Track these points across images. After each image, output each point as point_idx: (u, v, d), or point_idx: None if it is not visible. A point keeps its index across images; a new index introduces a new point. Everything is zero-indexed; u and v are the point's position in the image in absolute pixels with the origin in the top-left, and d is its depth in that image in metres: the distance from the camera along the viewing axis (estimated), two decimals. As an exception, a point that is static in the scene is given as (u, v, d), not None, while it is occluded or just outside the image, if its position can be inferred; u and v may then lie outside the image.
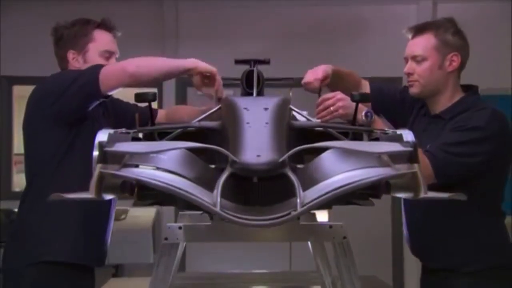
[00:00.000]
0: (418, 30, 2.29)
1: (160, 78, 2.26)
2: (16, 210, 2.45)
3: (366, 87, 2.48)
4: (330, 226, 1.78)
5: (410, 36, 2.32)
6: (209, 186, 1.29)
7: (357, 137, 1.96)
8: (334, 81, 2.35)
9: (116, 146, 1.21)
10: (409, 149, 1.21)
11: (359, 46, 5.69)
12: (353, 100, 1.94)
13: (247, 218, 1.18)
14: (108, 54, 2.42)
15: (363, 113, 1.99)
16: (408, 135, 1.47)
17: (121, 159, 1.26)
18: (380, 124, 2.13)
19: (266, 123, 1.34)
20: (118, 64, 2.22)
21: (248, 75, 2.21)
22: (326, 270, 2.41)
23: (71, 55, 2.41)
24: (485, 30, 5.28)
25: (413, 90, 2.31)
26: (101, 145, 1.19)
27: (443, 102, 2.29)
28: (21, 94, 5.57)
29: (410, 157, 1.20)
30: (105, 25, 2.45)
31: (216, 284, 2.65)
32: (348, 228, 1.78)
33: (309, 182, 1.31)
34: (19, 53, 5.45)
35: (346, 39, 5.72)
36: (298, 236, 1.88)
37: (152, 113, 1.93)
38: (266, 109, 1.43)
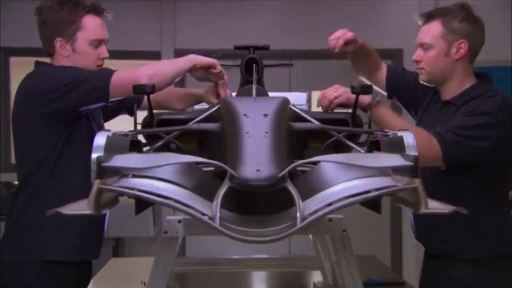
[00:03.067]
0: (427, 17, 2.28)
1: (169, 85, 2.20)
2: (16, 183, 2.41)
3: (383, 70, 2.54)
4: (330, 220, 1.78)
5: (420, 22, 2.31)
6: (207, 193, 1.29)
7: (356, 124, 1.96)
8: (359, 55, 2.43)
9: (113, 160, 1.19)
10: (410, 163, 1.19)
11: (363, 16, 5.62)
12: (353, 92, 1.93)
13: (247, 232, 1.17)
14: (98, 43, 2.31)
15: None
16: (408, 137, 1.45)
17: (119, 171, 1.24)
18: (384, 109, 2.12)
19: (266, 132, 1.32)
20: (130, 74, 2.14)
21: (247, 62, 2.18)
22: (325, 255, 2.41)
23: (58, 43, 2.28)
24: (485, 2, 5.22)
25: (421, 77, 2.33)
26: (99, 160, 1.17)
27: (453, 89, 2.28)
28: (18, 62, 5.58)
29: (411, 172, 1.18)
30: (95, 10, 2.31)
31: (216, 270, 2.67)
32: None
33: (309, 190, 1.30)
34: (17, 24, 5.39)
35: (351, 9, 5.64)
36: (297, 230, 1.88)
37: (151, 106, 1.92)
38: (265, 115, 1.40)
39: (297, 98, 2.68)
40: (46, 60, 2.38)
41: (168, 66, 2.20)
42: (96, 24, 2.31)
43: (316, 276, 2.59)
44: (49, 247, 2.22)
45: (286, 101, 1.62)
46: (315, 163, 1.84)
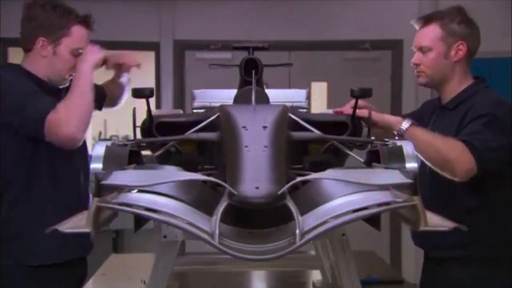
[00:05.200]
0: (425, 21, 2.31)
1: (91, 109, 2.28)
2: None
3: None
4: None
5: (417, 27, 2.34)
6: (206, 205, 1.28)
7: (356, 130, 1.95)
8: None
9: (112, 178, 1.19)
10: (409, 181, 1.18)
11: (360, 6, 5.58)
12: (352, 95, 1.92)
13: (246, 250, 1.17)
14: (78, 54, 2.33)
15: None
16: (407, 146, 1.45)
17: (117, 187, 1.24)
18: (421, 131, 2.12)
19: (265, 146, 1.31)
20: (60, 123, 2.14)
21: (247, 63, 2.17)
22: (325, 254, 2.42)
23: (41, 42, 2.30)
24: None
25: (420, 80, 2.35)
26: (98, 178, 1.16)
27: (451, 91, 2.31)
28: (16, 52, 5.54)
29: (411, 189, 1.18)
30: (85, 22, 2.35)
31: (215, 269, 2.67)
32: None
33: (309, 203, 1.30)
34: (16, 15, 5.35)
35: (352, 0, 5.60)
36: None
37: (149, 109, 1.91)
38: (265, 127, 1.40)
39: (296, 95, 2.67)
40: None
41: (80, 100, 2.21)
42: (82, 35, 2.35)
43: (316, 275, 2.59)
44: (33, 251, 2.24)
45: (285, 110, 1.60)
46: (315, 166, 1.84)
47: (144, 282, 2.54)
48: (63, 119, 2.14)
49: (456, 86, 2.30)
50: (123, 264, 3.00)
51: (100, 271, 2.86)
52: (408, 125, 2.09)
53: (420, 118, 2.44)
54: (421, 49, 2.30)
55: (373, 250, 3.29)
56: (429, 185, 2.18)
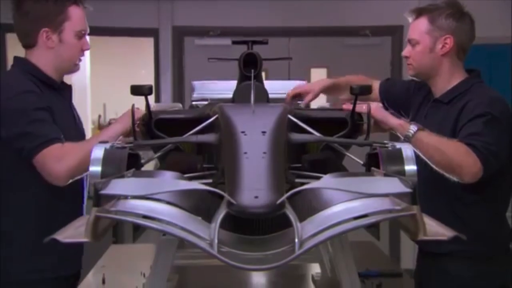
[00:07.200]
0: (416, 14, 2.33)
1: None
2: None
3: (375, 90, 2.52)
4: None
5: (410, 19, 2.35)
6: (205, 211, 1.28)
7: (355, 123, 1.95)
8: (332, 92, 2.58)
9: (110, 187, 1.18)
10: (409, 190, 1.17)
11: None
12: (352, 93, 1.92)
13: (246, 259, 1.17)
14: (82, 34, 2.26)
15: None
16: (407, 150, 1.45)
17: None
18: (428, 135, 2.11)
19: (264, 153, 1.30)
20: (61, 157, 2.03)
21: (246, 57, 2.16)
22: (324, 248, 2.42)
23: (44, 33, 2.19)
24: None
25: (409, 73, 2.38)
26: (96, 188, 1.15)
27: (441, 85, 2.31)
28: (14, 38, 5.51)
29: (410, 198, 1.17)
30: (79, 1, 2.25)
31: (215, 262, 2.66)
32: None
33: (308, 208, 1.30)
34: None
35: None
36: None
37: (149, 106, 1.91)
38: (264, 133, 1.39)
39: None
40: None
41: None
42: (80, 15, 2.26)
43: (315, 268, 2.60)
44: (29, 266, 2.16)
45: (284, 112, 1.60)
46: (314, 165, 1.84)
47: (144, 275, 2.55)
48: (68, 156, 2.03)
49: (447, 80, 2.29)
50: (123, 255, 3.01)
51: (100, 263, 2.87)
52: (415, 130, 2.09)
53: (402, 97, 2.48)
54: (410, 41, 2.32)
55: (372, 241, 3.28)
56: (427, 180, 2.18)
